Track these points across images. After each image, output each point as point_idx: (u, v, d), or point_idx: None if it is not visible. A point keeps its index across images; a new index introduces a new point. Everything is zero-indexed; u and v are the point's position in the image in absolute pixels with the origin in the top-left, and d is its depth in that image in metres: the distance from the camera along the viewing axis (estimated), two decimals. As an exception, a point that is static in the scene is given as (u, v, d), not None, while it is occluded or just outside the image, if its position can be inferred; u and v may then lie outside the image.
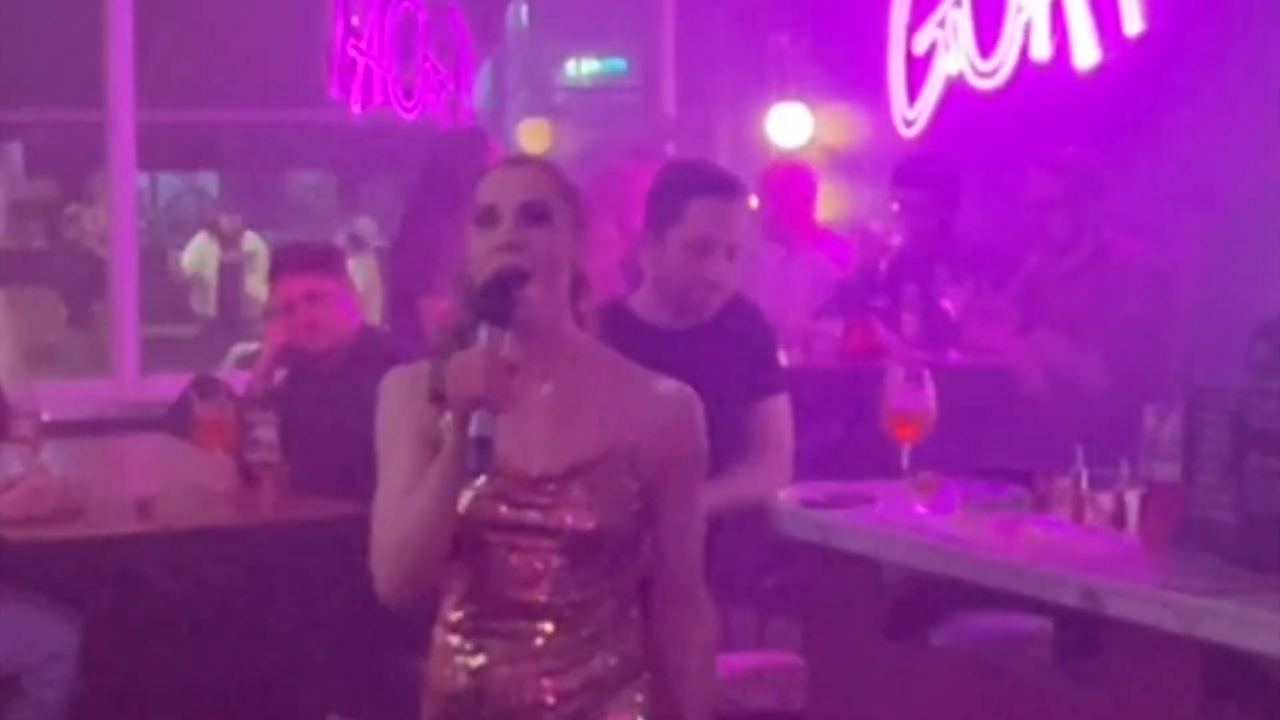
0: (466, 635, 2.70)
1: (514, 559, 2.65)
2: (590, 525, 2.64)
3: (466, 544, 2.65)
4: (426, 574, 2.64)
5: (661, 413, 2.71)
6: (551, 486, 2.65)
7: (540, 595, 2.66)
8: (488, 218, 2.65)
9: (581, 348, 2.73)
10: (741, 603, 5.07)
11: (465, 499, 2.64)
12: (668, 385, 2.75)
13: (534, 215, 2.64)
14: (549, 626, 2.67)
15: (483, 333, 2.55)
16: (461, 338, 2.61)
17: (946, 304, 5.61)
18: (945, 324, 5.58)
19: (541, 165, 2.79)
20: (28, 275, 12.63)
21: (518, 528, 2.65)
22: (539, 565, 2.65)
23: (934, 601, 4.03)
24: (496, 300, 2.58)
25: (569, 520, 2.64)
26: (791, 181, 6.77)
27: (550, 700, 2.66)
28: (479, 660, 2.69)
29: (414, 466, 2.63)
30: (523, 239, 2.63)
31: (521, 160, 2.96)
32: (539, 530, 2.65)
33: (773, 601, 5.09)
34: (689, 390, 2.76)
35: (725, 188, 3.97)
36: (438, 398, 2.60)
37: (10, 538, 4.30)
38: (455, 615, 2.71)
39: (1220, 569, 3.09)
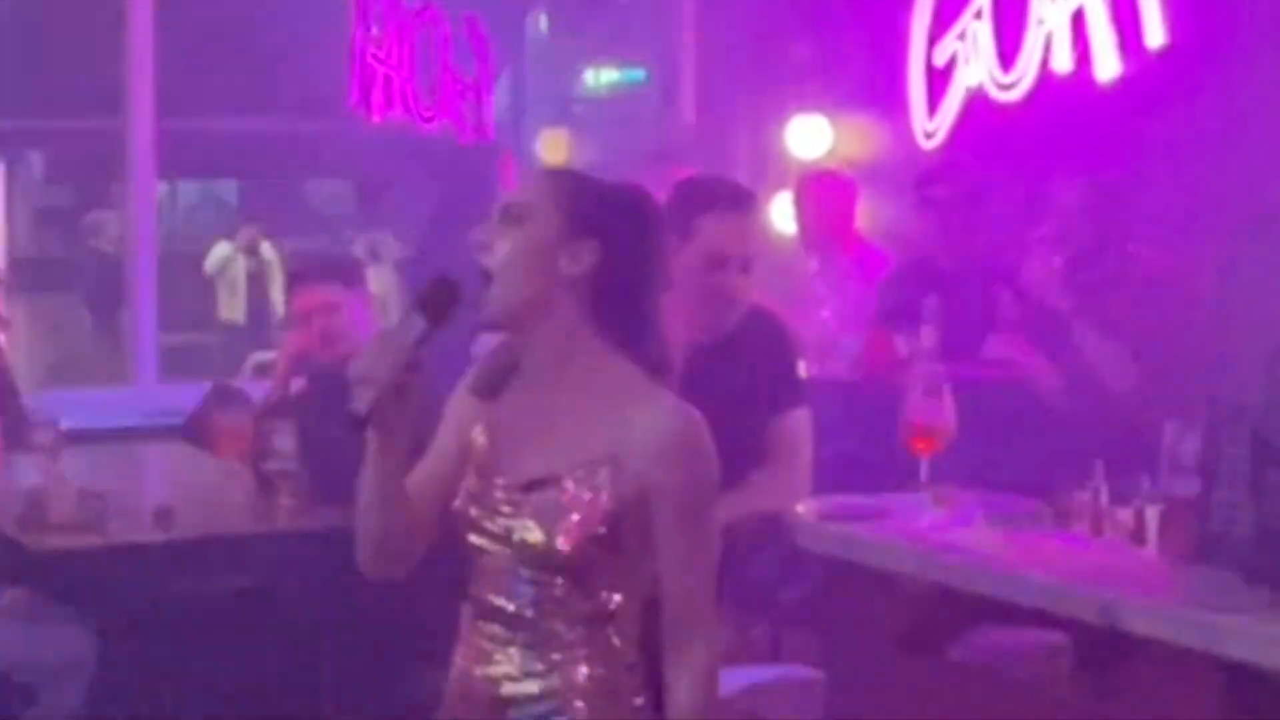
0: (467, 631, 2.71)
1: (489, 563, 2.64)
2: (538, 540, 2.58)
3: (462, 542, 2.68)
4: (386, 551, 2.69)
5: (648, 432, 2.58)
6: (513, 496, 2.62)
7: (508, 604, 2.62)
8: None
9: (598, 362, 2.64)
10: (758, 615, 5.06)
11: (460, 497, 2.67)
12: (666, 405, 2.60)
13: (509, 216, 2.64)
14: (516, 636, 2.63)
15: (406, 319, 2.59)
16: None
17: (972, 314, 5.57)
18: (966, 336, 5.55)
19: (549, 171, 2.81)
20: (49, 283, 12.66)
21: (487, 533, 2.64)
22: (506, 574, 2.62)
23: (952, 615, 4.02)
24: (430, 296, 2.59)
25: (520, 533, 2.60)
26: (831, 191, 6.72)
27: (509, 707, 2.62)
28: (465, 655, 2.69)
29: (434, 455, 2.73)
30: (491, 238, 2.63)
31: (546, 167, 2.98)
32: (501, 539, 2.62)
33: (789, 614, 5.08)
34: (690, 413, 2.62)
35: (737, 202, 3.96)
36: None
37: (28, 546, 4.31)
38: (465, 610, 2.73)
39: (1240, 585, 3.08)
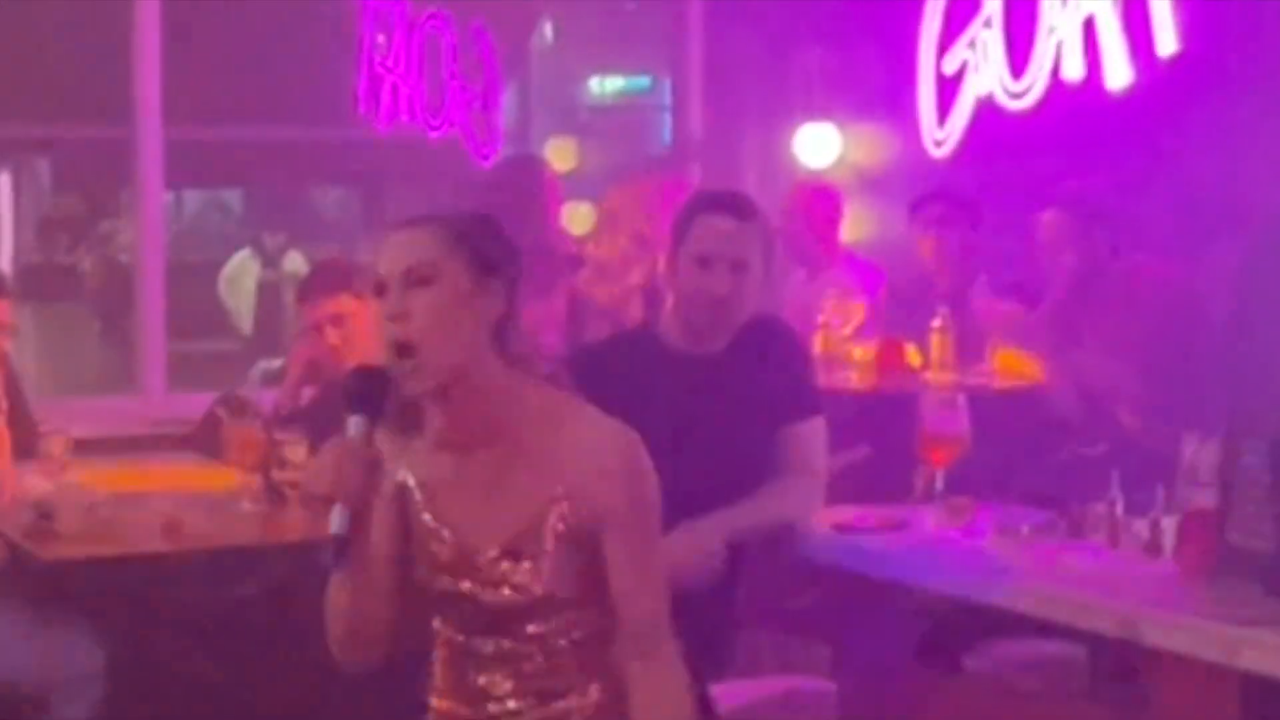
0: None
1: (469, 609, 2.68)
2: (538, 592, 2.59)
3: (433, 599, 2.71)
4: (359, 636, 2.80)
5: (589, 458, 2.58)
6: (490, 564, 2.61)
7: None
8: (378, 289, 2.59)
9: (515, 399, 2.60)
10: (768, 625, 5.04)
11: (423, 572, 2.69)
12: (601, 428, 2.61)
13: (416, 279, 2.55)
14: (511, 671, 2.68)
15: (349, 423, 2.53)
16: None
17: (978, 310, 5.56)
18: (976, 344, 5.54)
19: (430, 223, 2.61)
20: (56, 291, 12.64)
21: (462, 594, 2.65)
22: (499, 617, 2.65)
23: (966, 627, 4.01)
24: (363, 389, 2.55)
25: (500, 591, 2.61)
26: (816, 203, 6.71)
27: None
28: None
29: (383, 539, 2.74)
30: (406, 307, 2.54)
31: (409, 222, 2.67)
32: (478, 597, 2.63)
33: (800, 624, 5.06)
34: (625, 433, 2.61)
35: (729, 205, 3.93)
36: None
37: (37, 556, 4.29)
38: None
39: (1259, 597, 3.07)
